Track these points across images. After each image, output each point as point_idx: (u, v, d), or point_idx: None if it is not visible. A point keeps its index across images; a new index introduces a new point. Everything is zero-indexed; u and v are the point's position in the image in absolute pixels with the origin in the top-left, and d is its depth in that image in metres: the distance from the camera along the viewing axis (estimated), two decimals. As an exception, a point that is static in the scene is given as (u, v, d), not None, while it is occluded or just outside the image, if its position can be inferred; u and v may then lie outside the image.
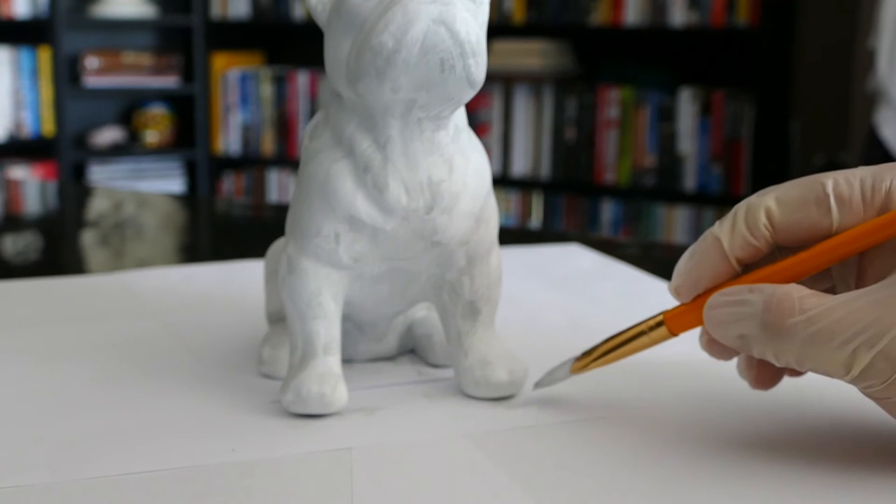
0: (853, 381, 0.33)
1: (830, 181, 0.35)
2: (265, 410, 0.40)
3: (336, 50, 0.39)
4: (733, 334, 0.35)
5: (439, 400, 0.42)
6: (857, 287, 0.36)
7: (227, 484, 0.34)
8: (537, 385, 0.42)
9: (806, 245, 0.35)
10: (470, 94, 0.38)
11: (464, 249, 0.41)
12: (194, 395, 0.42)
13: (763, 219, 0.35)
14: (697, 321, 0.37)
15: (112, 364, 0.45)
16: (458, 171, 0.40)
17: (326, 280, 0.40)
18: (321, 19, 0.40)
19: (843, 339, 0.32)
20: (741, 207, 0.36)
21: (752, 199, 0.36)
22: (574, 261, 0.68)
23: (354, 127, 0.40)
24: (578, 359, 0.40)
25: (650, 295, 0.59)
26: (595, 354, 0.40)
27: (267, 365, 0.44)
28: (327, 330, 0.41)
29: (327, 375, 0.40)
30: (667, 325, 0.38)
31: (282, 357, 0.44)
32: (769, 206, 0.35)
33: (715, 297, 0.36)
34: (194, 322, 0.52)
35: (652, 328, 0.38)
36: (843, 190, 0.35)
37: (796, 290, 0.34)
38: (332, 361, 0.40)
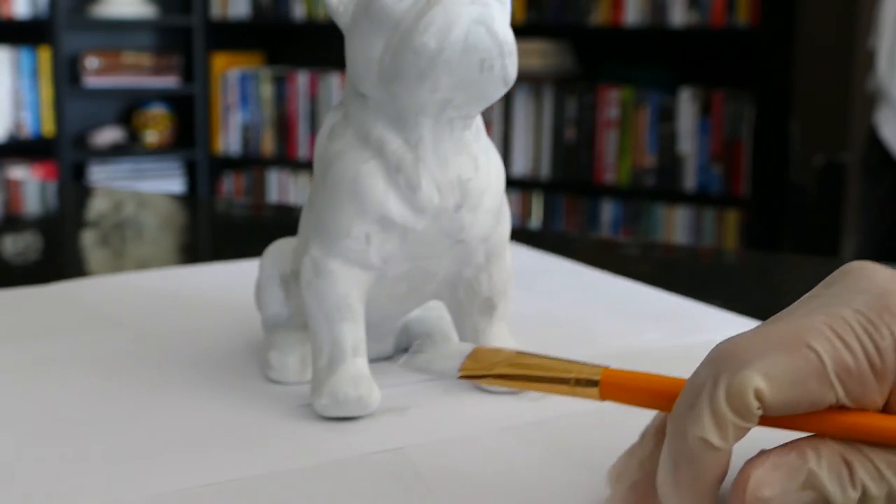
0: None
1: (828, 357, 0.28)
2: (295, 415, 0.40)
3: (364, 50, 0.39)
4: None
5: (460, 396, 0.42)
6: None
7: (302, 489, 0.34)
8: (404, 364, 0.36)
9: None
10: (502, 93, 0.39)
11: (484, 247, 0.42)
12: (217, 404, 0.41)
13: (753, 403, 0.28)
14: (634, 399, 0.32)
15: (118, 375, 0.45)
16: (483, 168, 0.41)
17: (355, 282, 0.40)
18: (343, 20, 0.39)
19: None
20: (719, 393, 0.28)
21: (734, 378, 0.28)
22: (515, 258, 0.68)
23: (383, 127, 0.40)
24: (469, 358, 0.34)
25: (600, 287, 0.59)
26: (496, 370, 0.34)
27: (276, 370, 0.44)
28: (355, 331, 0.41)
29: (361, 377, 0.40)
30: (601, 389, 0.32)
31: (290, 362, 0.43)
32: (758, 386, 0.28)
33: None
34: (193, 324, 0.52)
35: (581, 382, 0.32)
36: (846, 360, 0.28)
37: None
38: (360, 363, 0.40)
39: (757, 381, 0.28)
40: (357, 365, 0.40)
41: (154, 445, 0.37)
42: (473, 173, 0.40)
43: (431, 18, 0.37)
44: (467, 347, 0.35)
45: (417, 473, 0.35)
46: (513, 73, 0.38)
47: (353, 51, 0.39)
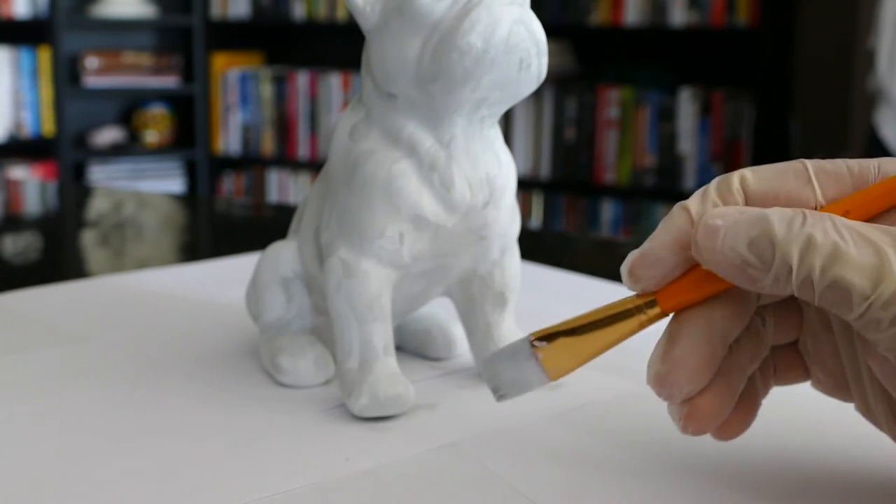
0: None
1: (809, 162, 0.33)
2: (328, 419, 0.40)
3: (398, 50, 0.39)
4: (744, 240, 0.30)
5: (476, 389, 0.43)
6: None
7: (383, 490, 0.33)
8: (502, 397, 0.34)
9: None
10: (531, 91, 0.40)
11: (500, 242, 0.43)
12: (240, 413, 0.40)
13: (736, 184, 0.32)
14: (692, 293, 0.32)
15: (127, 386, 0.43)
16: (505, 165, 0.42)
17: (386, 281, 0.41)
18: (370, 20, 0.39)
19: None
20: (713, 180, 0.33)
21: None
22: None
23: (414, 126, 0.40)
24: (543, 351, 0.33)
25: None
26: (570, 349, 0.33)
27: (289, 375, 0.43)
28: (385, 331, 0.41)
29: (396, 376, 0.40)
30: (659, 303, 0.32)
31: (302, 365, 0.43)
32: (744, 174, 0.33)
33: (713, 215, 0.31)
34: (194, 325, 0.52)
35: (641, 308, 0.32)
36: (825, 164, 0.33)
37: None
38: (392, 362, 0.41)
39: (744, 171, 0.33)
40: (389, 364, 0.40)
41: (192, 460, 0.36)
42: (498, 170, 0.41)
43: (476, 18, 0.37)
44: (518, 339, 0.34)
45: (484, 465, 0.35)
46: (545, 71, 0.39)
47: (383, 51, 0.39)
